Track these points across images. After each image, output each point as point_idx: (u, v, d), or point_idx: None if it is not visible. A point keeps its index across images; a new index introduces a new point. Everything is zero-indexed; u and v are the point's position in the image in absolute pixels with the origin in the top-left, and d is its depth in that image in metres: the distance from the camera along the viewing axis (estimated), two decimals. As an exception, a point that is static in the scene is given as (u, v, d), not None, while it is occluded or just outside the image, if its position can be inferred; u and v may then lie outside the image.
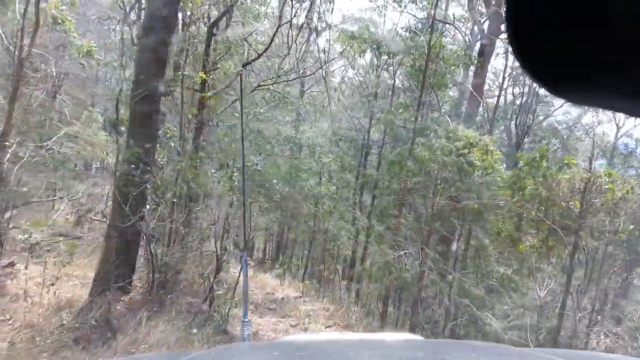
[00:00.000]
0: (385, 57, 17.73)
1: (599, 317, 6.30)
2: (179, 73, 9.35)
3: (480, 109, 17.90)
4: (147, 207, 7.94)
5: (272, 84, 11.70)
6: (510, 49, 0.52)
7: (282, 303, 14.49)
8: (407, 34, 17.43)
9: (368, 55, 19.99)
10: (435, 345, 2.43)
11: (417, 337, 2.75)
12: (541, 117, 22.41)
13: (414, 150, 11.70)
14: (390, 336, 3.25)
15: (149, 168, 7.58)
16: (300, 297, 17.66)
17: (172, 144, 8.68)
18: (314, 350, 1.77)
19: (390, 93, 17.98)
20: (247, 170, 9.03)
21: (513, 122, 20.60)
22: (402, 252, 10.38)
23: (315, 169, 19.17)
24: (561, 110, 24.93)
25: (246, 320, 3.70)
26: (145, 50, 7.83)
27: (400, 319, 14.64)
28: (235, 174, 8.40)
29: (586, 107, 22.95)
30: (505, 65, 17.28)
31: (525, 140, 20.39)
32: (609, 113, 24.38)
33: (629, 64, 0.45)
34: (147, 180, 7.39)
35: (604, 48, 0.44)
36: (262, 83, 11.58)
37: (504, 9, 0.48)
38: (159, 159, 8.61)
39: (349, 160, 19.71)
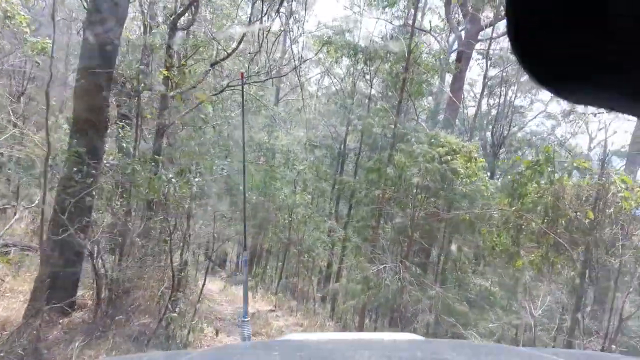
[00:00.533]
0: (362, 64, 16.85)
1: (613, 346, 5.39)
2: (137, 66, 8.19)
3: (458, 119, 17.13)
4: (92, 215, 6.73)
5: (243, 84, 10.54)
6: (510, 49, 0.50)
7: (253, 318, 13.26)
8: (384, 41, 16.57)
9: (345, 62, 19.19)
10: (435, 345, 2.30)
11: (417, 337, 2.68)
12: (516, 128, 21.83)
13: (393, 157, 10.70)
14: (390, 336, 3.28)
15: (94, 171, 6.38)
16: (273, 310, 16.45)
17: (125, 145, 7.48)
18: (314, 350, 1.71)
19: (367, 100, 17.04)
20: (213, 176, 7.93)
21: (489, 132, 19.90)
22: (380, 266, 9.32)
23: (290, 177, 18.08)
24: (535, 122, 24.48)
25: (246, 319, 3.67)
26: (91, 38, 6.66)
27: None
28: (197, 179, 7.24)
29: (564, 117, 22.58)
30: (485, 74, 16.49)
31: (501, 150, 19.71)
32: (583, 125, 24.03)
33: (629, 65, 0.43)
34: (90, 185, 6.18)
35: (605, 49, 0.42)
36: (231, 84, 10.45)
37: (504, 9, 0.45)
38: (108, 161, 7.40)
39: (325, 168, 18.67)
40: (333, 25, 19.58)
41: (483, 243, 8.95)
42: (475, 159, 10.54)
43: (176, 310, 7.80)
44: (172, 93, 9.26)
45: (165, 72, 8.90)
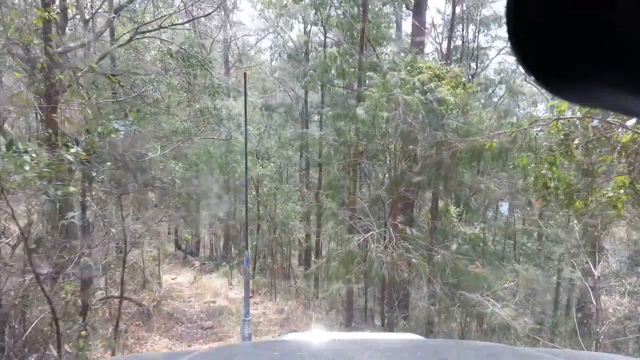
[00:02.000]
0: (313, 10, 13.85)
1: None
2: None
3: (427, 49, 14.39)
4: None
5: (158, 28, 7.61)
6: (510, 49, 0.47)
7: (223, 315, 10.55)
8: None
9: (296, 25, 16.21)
10: (435, 345, 2.20)
11: (417, 336, 2.66)
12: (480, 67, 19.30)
13: (363, 94, 7.92)
14: (390, 336, 3.50)
15: None
16: (251, 296, 13.79)
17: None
18: (314, 349, 1.63)
19: (322, 50, 14.07)
20: (103, 140, 5.05)
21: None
22: (366, 235, 6.65)
23: (249, 148, 15.20)
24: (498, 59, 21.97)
25: (247, 319, 3.70)
26: None
27: (372, 317, 10.99)
28: (75, 149, 4.37)
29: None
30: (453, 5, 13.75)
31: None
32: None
33: (630, 64, 0.41)
34: None
35: (605, 48, 0.40)
36: (142, 28, 7.46)
37: (504, 9, 0.44)
38: None
39: (288, 135, 15.80)
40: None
41: (525, 180, 6.35)
42: (464, 85, 7.86)
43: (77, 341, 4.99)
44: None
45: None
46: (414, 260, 6.55)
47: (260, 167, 14.52)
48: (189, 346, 8.29)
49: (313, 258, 14.47)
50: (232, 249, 19.50)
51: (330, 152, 11.02)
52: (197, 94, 11.66)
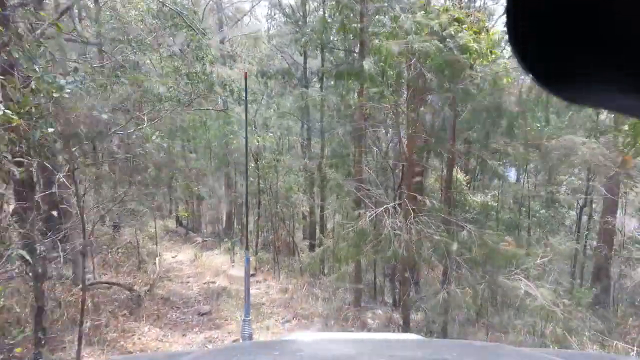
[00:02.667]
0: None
1: None
2: None
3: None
4: None
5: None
6: (510, 49, 0.46)
7: (222, 298, 9.51)
8: None
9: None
10: (436, 345, 2.14)
11: (417, 336, 2.55)
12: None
13: (370, 46, 6.62)
14: (391, 336, 3.34)
15: None
16: (253, 274, 12.73)
17: None
18: (315, 349, 1.62)
19: (322, 8, 12.61)
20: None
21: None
22: (377, 208, 5.48)
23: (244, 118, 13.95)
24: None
25: (247, 319, 3.52)
26: None
27: (382, 295, 9.94)
28: None
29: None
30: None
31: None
32: None
33: (630, 64, 0.40)
34: None
35: (606, 48, 0.40)
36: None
37: (504, 9, 0.42)
38: None
39: (286, 102, 14.50)
40: None
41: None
42: (487, 30, 6.56)
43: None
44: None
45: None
46: (436, 237, 5.42)
47: (259, 138, 13.30)
48: (184, 335, 7.26)
49: (318, 233, 13.41)
50: (235, 224, 18.46)
51: (333, 117, 9.75)
52: (187, 60, 10.37)
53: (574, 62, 0.42)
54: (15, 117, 3.42)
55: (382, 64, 6.38)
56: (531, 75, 0.44)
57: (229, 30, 19.63)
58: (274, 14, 18.02)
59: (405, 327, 7.08)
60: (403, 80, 6.70)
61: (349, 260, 6.23)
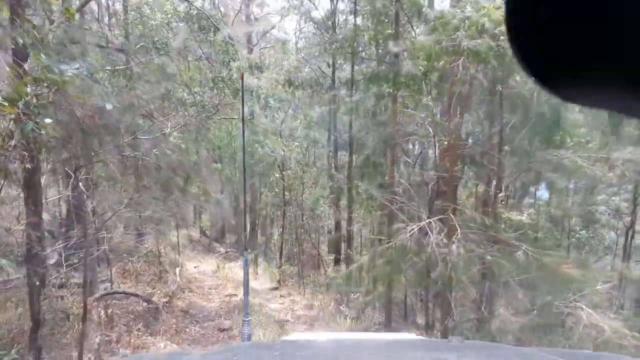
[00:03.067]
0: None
1: None
2: None
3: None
4: None
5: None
6: (510, 49, 0.46)
7: (243, 312, 8.88)
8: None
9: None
10: (436, 345, 2.08)
11: (417, 336, 2.50)
12: None
13: (411, 44, 6.00)
14: (390, 336, 3.11)
15: None
16: (277, 288, 12.11)
17: None
18: (315, 350, 1.60)
19: (352, 16, 12.07)
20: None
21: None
22: (419, 223, 4.80)
23: (272, 128, 13.50)
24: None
25: (247, 319, 3.45)
26: None
27: (415, 322, 9.18)
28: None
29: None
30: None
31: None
32: None
33: (630, 65, 0.39)
34: None
35: (606, 48, 0.39)
36: None
37: (504, 8, 0.42)
38: None
39: (314, 112, 13.98)
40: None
41: None
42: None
43: None
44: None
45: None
46: (488, 257, 4.71)
47: (285, 149, 12.77)
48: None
49: (344, 247, 12.73)
50: (258, 235, 17.90)
51: (363, 127, 9.12)
52: (214, 67, 9.93)
53: (574, 63, 0.40)
54: (8, 105, 2.91)
55: (423, 64, 5.75)
56: (531, 76, 0.43)
57: (257, 41, 19.32)
58: (302, 27, 17.68)
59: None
60: (445, 84, 6.05)
61: (386, 281, 5.55)
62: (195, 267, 13.81)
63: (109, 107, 3.67)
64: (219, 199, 18.11)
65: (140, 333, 6.47)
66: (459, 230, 4.88)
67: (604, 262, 10.27)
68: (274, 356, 1.49)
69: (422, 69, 5.86)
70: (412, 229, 5.04)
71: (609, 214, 13.50)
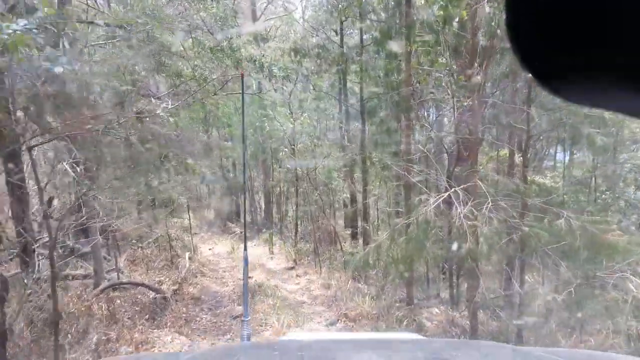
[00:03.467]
0: None
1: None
2: None
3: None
4: None
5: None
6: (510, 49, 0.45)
7: (259, 297, 8.37)
8: None
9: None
10: (436, 345, 1.99)
11: (418, 336, 2.48)
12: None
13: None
14: (391, 335, 3.26)
15: None
16: (293, 268, 11.60)
17: None
18: (315, 350, 1.56)
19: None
20: None
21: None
22: (434, 196, 4.10)
23: (280, 100, 12.79)
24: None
25: (246, 319, 3.20)
26: None
27: (438, 296, 8.53)
28: None
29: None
30: None
31: None
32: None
33: (631, 64, 0.38)
34: None
35: (606, 48, 0.38)
36: None
37: (504, 6, 0.41)
38: None
39: (323, 82, 13.17)
40: None
41: None
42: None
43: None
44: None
45: None
46: (524, 228, 4.01)
47: (293, 122, 12.04)
48: (212, 344, 6.16)
49: (360, 221, 12.11)
50: (274, 213, 17.38)
51: (375, 92, 8.33)
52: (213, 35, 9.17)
53: (574, 62, 0.39)
54: None
55: (439, 14, 4.93)
56: (531, 74, 0.42)
57: (262, 12, 18.38)
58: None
59: (474, 332, 5.72)
60: (465, 36, 5.22)
61: (408, 261, 4.90)
62: (210, 250, 13.38)
63: (58, 70, 3.00)
64: (231, 178, 17.60)
65: (145, 327, 5.96)
66: (489, 199, 4.17)
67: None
68: (273, 356, 1.45)
69: (439, 18, 5.04)
70: (435, 201, 4.34)
71: (635, 172, 12.59)
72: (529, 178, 6.58)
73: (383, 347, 1.56)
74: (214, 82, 10.22)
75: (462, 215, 4.02)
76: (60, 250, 7.92)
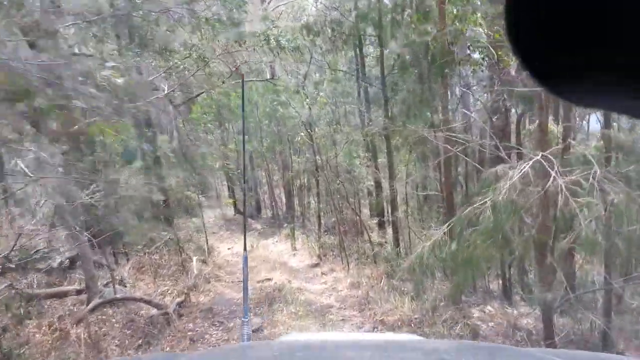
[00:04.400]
0: None
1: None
2: None
3: None
4: None
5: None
6: (510, 49, 0.43)
7: (278, 304, 7.02)
8: None
9: None
10: (435, 345, 1.93)
11: (417, 337, 2.50)
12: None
13: None
14: (390, 336, 3.19)
15: None
16: (317, 265, 10.23)
17: None
18: (314, 350, 1.43)
19: None
20: None
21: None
22: (525, 163, 2.65)
23: (293, 85, 11.40)
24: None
25: (246, 319, 3.13)
26: None
27: (488, 289, 7.08)
28: None
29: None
30: None
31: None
32: None
33: (631, 64, 0.37)
34: None
35: (606, 48, 0.37)
36: None
37: (503, 9, 0.39)
38: None
39: (338, 59, 11.71)
40: None
41: None
42: None
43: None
44: None
45: None
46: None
47: (309, 106, 10.62)
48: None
49: (387, 208, 10.69)
50: (295, 206, 16.02)
51: (401, 55, 6.85)
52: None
53: (574, 62, 0.38)
54: None
55: None
56: (531, 75, 0.41)
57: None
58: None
59: (548, 337, 4.26)
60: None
61: (485, 265, 3.45)
62: (229, 249, 12.11)
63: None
64: (248, 173, 16.28)
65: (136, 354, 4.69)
66: (596, 167, 2.70)
67: None
68: (273, 356, 1.31)
69: None
70: (522, 170, 2.87)
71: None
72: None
73: (383, 348, 1.41)
74: (216, 65, 8.92)
75: (563, 188, 2.58)
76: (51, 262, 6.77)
